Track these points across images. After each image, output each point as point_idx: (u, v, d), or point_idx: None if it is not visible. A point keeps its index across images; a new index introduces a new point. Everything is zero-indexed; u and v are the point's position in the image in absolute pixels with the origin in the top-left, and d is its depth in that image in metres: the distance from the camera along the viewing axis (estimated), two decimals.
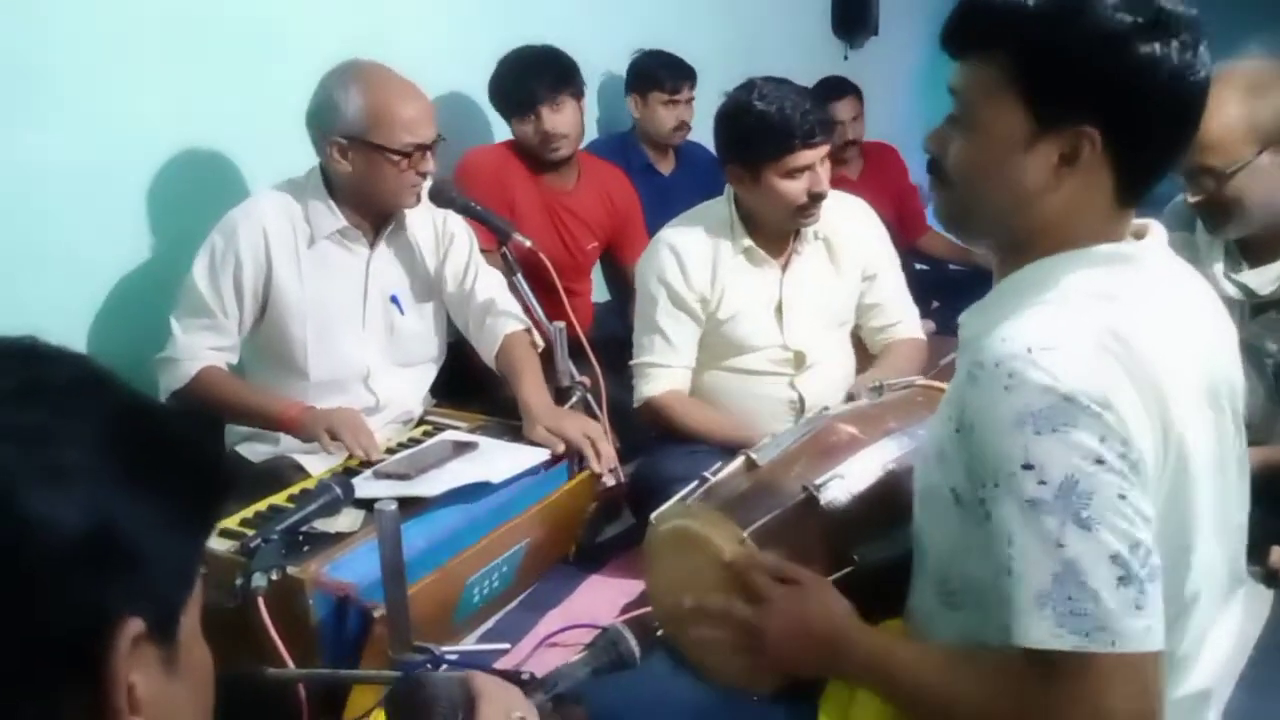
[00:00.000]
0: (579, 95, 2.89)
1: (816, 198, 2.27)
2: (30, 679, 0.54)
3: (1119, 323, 1.02)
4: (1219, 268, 2.13)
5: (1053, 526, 0.96)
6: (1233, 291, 2.10)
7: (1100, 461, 0.96)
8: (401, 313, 2.32)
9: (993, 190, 1.10)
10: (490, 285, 2.37)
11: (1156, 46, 1.01)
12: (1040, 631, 0.97)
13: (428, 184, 2.25)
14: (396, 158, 2.11)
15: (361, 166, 2.13)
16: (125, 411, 0.61)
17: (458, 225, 2.37)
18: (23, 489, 0.54)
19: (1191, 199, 2.00)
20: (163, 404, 0.63)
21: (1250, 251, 2.13)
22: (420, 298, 2.36)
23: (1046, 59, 1.04)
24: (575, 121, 2.88)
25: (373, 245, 2.26)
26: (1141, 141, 1.06)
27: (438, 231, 2.35)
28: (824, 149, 2.25)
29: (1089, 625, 0.95)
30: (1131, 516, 0.96)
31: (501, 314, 2.36)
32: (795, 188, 2.25)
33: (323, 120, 2.15)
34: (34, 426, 0.56)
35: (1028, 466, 0.97)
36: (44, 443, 0.56)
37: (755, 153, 2.25)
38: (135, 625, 0.57)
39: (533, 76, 2.81)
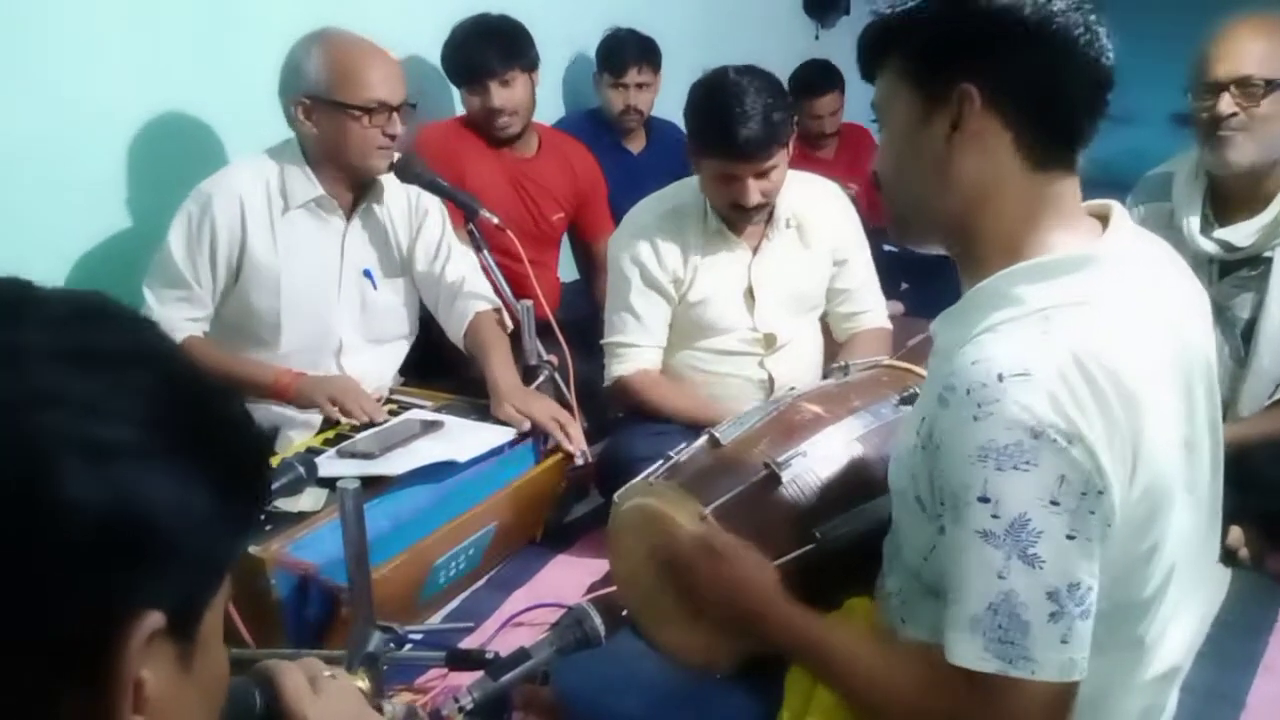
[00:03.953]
0: (530, 68, 2.81)
1: (740, 208, 2.23)
2: (34, 663, 0.51)
3: (1090, 335, 1.02)
4: (1195, 224, 2.16)
5: (998, 560, 0.99)
6: (1210, 248, 2.14)
7: (1055, 502, 0.98)
8: (375, 287, 2.31)
9: (907, 175, 1.14)
10: (462, 265, 2.35)
11: None
12: (968, 652, 1.01)
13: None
14: (358, 113, 2.09)
15: (326, 126, 2.12)
16: (177, 388, 0.57)
17: (432, 202, 2.35)
18: (63, 462, 0.50)
19: (1225, 111, 2.05)
20: (218, 384, 0.58)
21: (1225, 209, 2.18)
22: (393, 273, 2.34)
23: (918, 39, 1.10)
24: (525, 96, 2.81)
25: (348, 217, 2.24)
26: (1022, 89, 1.07)
27: (411, 207, 2.33)
28: (762, 164, 2.17)
29: (1014, 653, 0.99)
30: (1076, 556, 0.99)
31: (471, 294, 2.34)
32: (722, 192, 2.24)
33: (289, 84, 2.14)
34: (82, 396, 0.52)
35: (984, 499, 1.00)
36: (89, 414, 0.52)
37: (696, 142, 2.25)
38: (154, 619, 0.53)
39: (482, 48, 2.74)
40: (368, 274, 2.29)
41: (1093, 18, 1.08)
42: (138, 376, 0.55)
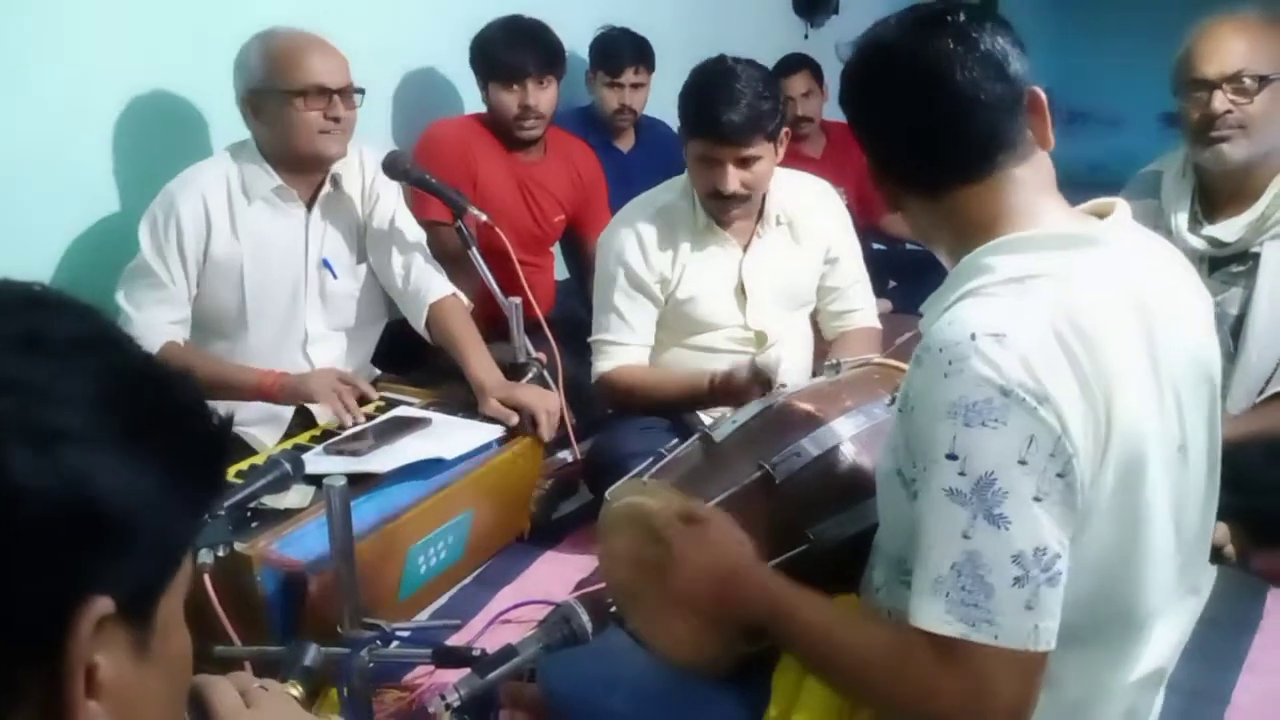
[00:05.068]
0: (560, 78, 2.86)
1: (718, 195, 2.24)
2: None
3: (1070, 306, 1.02)
4: (1183, 220, 2.17)
5: (963, 518, 0.99)
6: (1198, 244, 2.16)
7: (1023, 462, 0.98)
8: (335, 276, 2.31)
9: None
10: (412, 248, 2.34)
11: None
12: (931, 614, 1.00)
13: (378, 152, 2.24)
14: (294, 97, 2.10)
15: (270, 117, 2.14)
16: (128, 374, 0.57)
17: (384, 186, 2.35)
18: (10, 448, 0.50)
19: (1220, 109, 2.06)
20: (169, 369, 0.62)
21: (1213, 206, 2.19)
22: (352, 260, 2.34)
23: None
24: (553, 103, 2.85)
25: (309, 207, 2.24)
26: (885, 156, 1.19)
27: (364, 192, 2.33)
28: (742, 150, 2.18)
29: (976, 616, 0.98)
30: (1043, 520, 0.99)
31: (424, 277, 2.32)
32: (703, 175, 2.25)
33: (237, 84, 2.16)
34: (30, 382, 0.52)
35: (951, 456, 0.99)
36: (38, 400, 0.52)
37: (684, 122, 2.27)
38: (103, 605, 0.53)
39: (526, 48, 2.76)
40: (326, 264, 2.29)
41: (946, 45, 1.10)
42: (86, 362, 0.55)
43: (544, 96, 2.79)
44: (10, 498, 0.50)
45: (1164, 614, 1.16)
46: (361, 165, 2.30)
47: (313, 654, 1.27)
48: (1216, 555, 2.14)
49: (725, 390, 2.07)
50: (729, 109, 2.15)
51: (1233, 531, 2.16)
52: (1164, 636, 1.18)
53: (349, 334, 2.37)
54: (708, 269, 2.37)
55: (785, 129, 2.29)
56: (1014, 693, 0.99)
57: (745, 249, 2.38)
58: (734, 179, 2.21)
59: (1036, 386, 0.98)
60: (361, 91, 2.20)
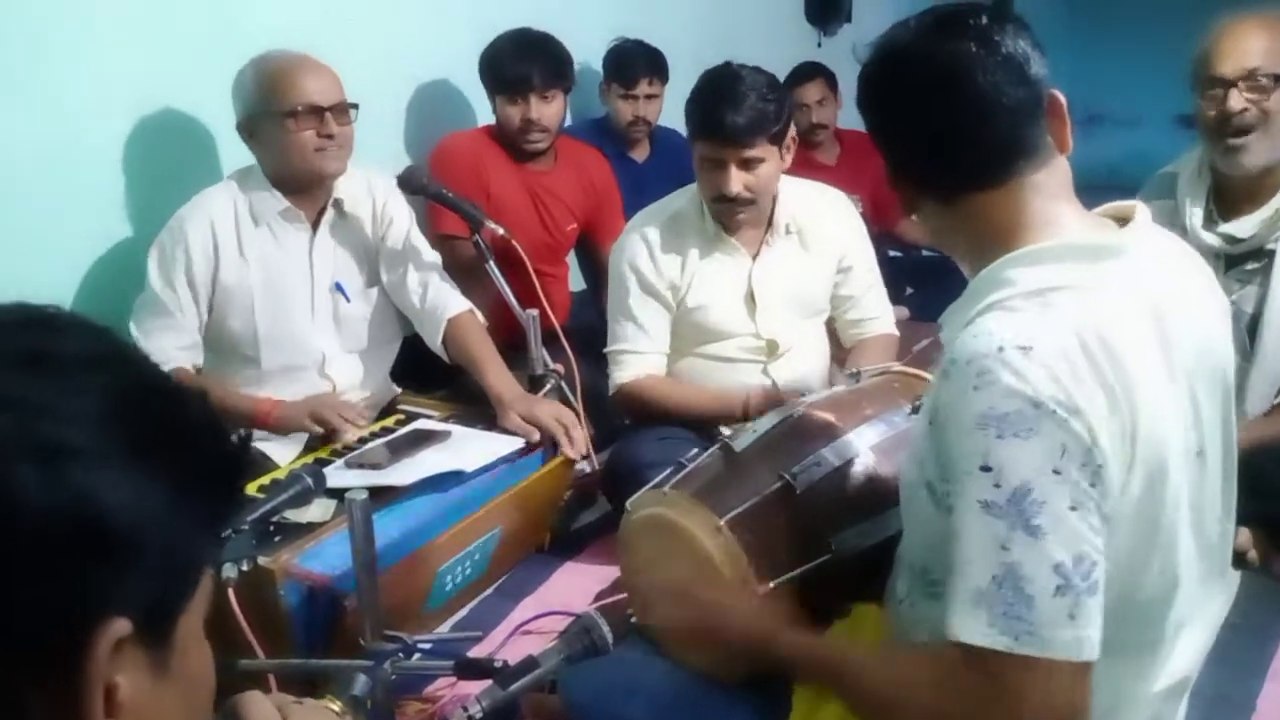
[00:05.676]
0: (568, 91, 2.87)
1: (722, 198, 2.24)
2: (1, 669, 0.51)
3: (1093, 318, 1.02)
4: (1198, 218, 2.17)
5: (1001, 530, 0.98)
6: (1213, 242, 2.16)
7: (1057, 472, 0.98)
8: (348, 300, 2.31)
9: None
10: (427, 269, 2.34)
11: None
12: (973, 629, 0.99)
13: (386, 175, 2.24)
14: (286, 119, 2.10)
15: (266, 139, 2.15)
16: (137, 391, 0.57)
17: (397, 208, 2.35)
18: (13, 466, 0.50)
19: (1235, 107, 2.07)
20: (182, 386, 0.62)
21: (1229, 204, 2.20)
22: (364, 283, 2.35)
23: None
24: (558, 116, 2.86)
25: (314, 229, 2.25)
26: (905, 160, 1.19)
27: (376, 215, 2.33)
28: (743, 150, 2.19)
29: (1020, 629, 0.97)
30: (1080, 529, 0.98)
31: (440, 295, 2.32)
32: (708, 178, 2.26)
33: (236, 112, 2.18)
34: (34, 399, 0.52)
35: (986, 469, 0.99)
36: (42, 417, 0.51)
37: (689, 126, 2.29)
38: (120, 627, 0.52)
39: (531, 61, 2.77)
40: (339, 287, 2.30)
41: (970, 48, 1.10)
42: (93, 379, 0.55)
43: (547, 110, 2.79)
44: (14, 513, 0.50)
45: (1188, 622, 1.16)
46: (370, 189, 2.30)
47: (362, 684, 1.26)
48: (1240, 561, 2.14)
49: (761, 415, 2.05)
50: (732, 110, 2.17)
51: (1255, 537, 2.15)
52: (1188, 644, 1.18)
53: (364, 355, 2.36)
54: (717, 277, 2.37)
55: (792, 135, 2.30)
56: (1064, 703, 0.99)
57: (754, 258, 2.38)
58: (736, 180, 2.22)
59: (1066, 399, 0.98)
60: (355, 107, 2.20)
